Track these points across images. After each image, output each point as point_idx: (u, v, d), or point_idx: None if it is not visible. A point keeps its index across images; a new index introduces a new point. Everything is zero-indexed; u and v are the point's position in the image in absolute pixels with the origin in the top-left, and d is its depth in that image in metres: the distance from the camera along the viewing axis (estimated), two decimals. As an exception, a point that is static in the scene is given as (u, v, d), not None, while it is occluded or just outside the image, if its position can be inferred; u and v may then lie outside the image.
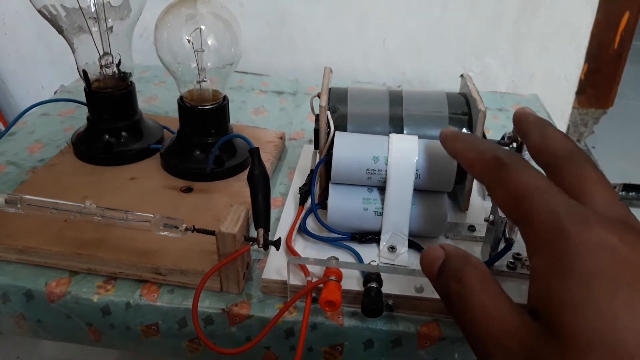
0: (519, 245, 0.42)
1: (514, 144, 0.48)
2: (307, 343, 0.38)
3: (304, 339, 0.34)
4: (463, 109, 0.44)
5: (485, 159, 0.28)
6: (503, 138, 0.49)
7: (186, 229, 0.38)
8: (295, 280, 0.38)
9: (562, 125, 0.90)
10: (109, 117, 0.52)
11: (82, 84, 0.51)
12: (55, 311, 0.40)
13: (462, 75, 0.48)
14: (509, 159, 0.27)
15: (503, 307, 0.23)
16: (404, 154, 0.39)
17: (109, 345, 0.41)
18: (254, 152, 0.43)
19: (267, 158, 0.53)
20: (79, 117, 0.63)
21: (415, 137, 0.40)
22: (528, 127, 0.31)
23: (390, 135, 0.41)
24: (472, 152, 0.30)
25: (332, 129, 0.42)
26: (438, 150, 0.40)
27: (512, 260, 0.40)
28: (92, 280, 0.40)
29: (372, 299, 0.36)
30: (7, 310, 0.40)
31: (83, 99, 0.52)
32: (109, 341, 0.41)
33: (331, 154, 0.41)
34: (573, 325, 0.20)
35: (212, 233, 0.37)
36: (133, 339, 0.40)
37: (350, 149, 0.40)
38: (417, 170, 0.39)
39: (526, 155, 0.46)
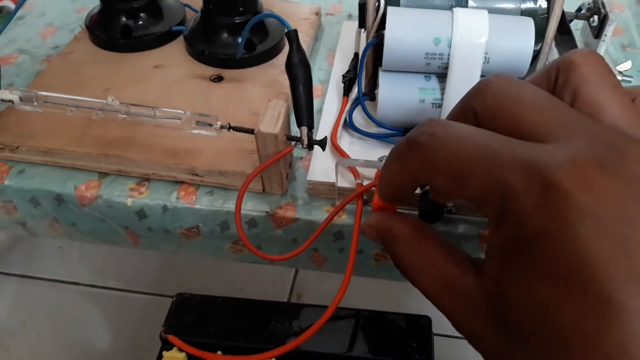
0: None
1: (595, 17, 0.41)
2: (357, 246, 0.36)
3: (356, 246, 0.31)
4: (540, -26, 0.36)
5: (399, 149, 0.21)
6: (580, 10, 0.42)
7: (221, 127, 0.34)
8: (344, 182, 0.34)
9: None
10: (124, -5, 0.46)
11: (90, -43, 0.45)
12: (88, 215, 0.37)
13: None
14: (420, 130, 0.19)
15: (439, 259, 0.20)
16: (471, 33, 0.33)
17: (148, 247, 0.40)
18: (292, 35, 0.37)
19: (302, 39, 0.46)
20: (91, -5, 0.56)
21: (485, 12, 0.34)
22: None
23: (454, 9, 0.34)
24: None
25: (383, 2, 0.36)
26: (512, 27, 0.34)
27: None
28: (123, 183, 0.37)
29: (429, 203, 0.32)
30: (38, 214, 0.38)
31: (92, -26, 0.46)
32: (148, 243, 0.39)
33: (382, 34, 0.35)
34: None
35: (251, 132, 0.33)
36: (173, 241, 0.38)
37: (406, 29, 0.34)
38: (486, 53, 0.33)
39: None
